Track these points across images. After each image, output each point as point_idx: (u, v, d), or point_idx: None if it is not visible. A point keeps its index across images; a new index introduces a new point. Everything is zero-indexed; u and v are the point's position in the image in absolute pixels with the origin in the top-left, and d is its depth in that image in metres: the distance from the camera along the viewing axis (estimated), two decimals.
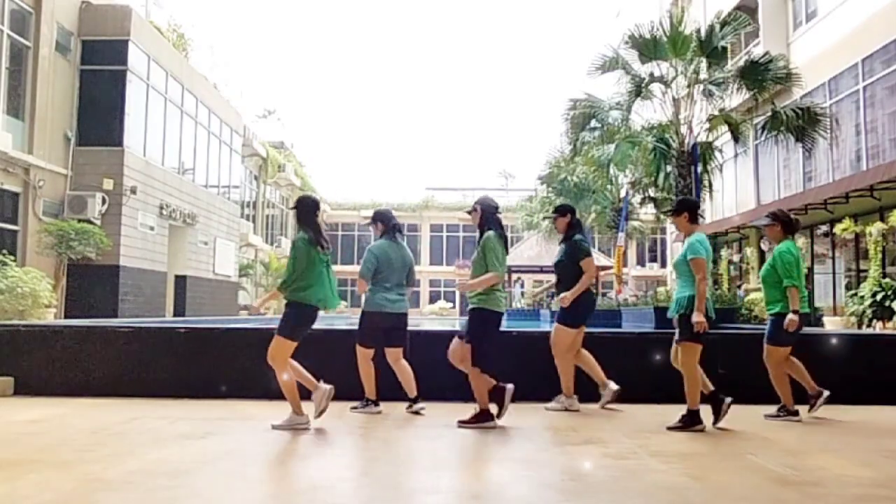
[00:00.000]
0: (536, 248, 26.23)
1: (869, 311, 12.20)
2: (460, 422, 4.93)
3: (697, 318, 4.80)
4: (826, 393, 5.49)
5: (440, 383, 5.58)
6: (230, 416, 5.20)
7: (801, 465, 3.80)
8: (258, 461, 4.04)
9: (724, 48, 13.28)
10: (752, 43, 19.22)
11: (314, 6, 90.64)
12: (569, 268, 5.72)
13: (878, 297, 12.08)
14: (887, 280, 12.58)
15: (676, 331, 5.04)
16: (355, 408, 5.55)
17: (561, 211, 6.02)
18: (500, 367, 5.86)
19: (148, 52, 16.77)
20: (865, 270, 13.94)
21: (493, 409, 4.94)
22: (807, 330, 6.00)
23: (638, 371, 6.08)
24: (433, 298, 42.50)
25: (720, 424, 4.94)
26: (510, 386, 4.96)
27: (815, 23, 17.46)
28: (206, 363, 6.29)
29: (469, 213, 5.26)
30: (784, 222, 5.54)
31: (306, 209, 4.92)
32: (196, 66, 21.69)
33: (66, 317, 13.81)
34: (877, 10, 14.55)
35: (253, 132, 28.46)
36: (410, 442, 4.50)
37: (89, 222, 14.39)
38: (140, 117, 16.52)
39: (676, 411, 4.95)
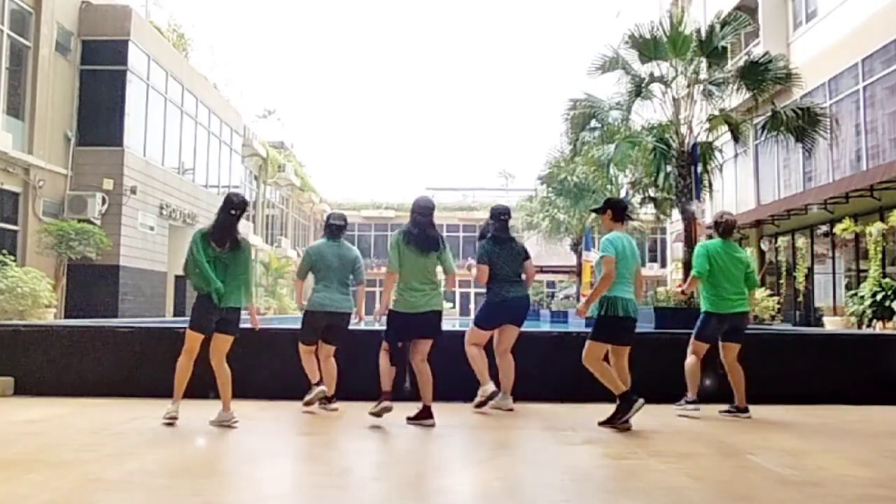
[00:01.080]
0: (536, 248, 26.24)
1: (869, 311, 12.20)
2: (409, 418, 4.97)
3: (581, 306, 5.04)
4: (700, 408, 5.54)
5: (440, 383, 5.57)
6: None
7: (801, 465, 3.80)
8: (257, 461, 4.04)
9: (724, 48, 13.26)
10: (752, 43, 19.21)
11: (314, 6, 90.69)
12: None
13: (878, 297, 12.07)
14: (887, 280, 12.58)
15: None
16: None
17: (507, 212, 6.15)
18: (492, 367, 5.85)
19: (148, 52, 16.77)
20: (865, 270, 13.94)
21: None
22: (807, 330, 6.02)
23: (637, 371, 6.07)
24: None
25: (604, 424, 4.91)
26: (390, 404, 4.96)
27: (815, 23, 17.45)
28: (205, 363, 6.26)
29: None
30: (716, 223, 5.72)
31: (222, 204, 5.06)
32: (196, 66, 21.69)
33: (66, 317, 13.80)
34: (877, 10, 14.55)
35: (253, 132, 28.45)
36: (410, 442, 4.50)
37: (89, 222, 14.38)
38: (140, 117, 16.52)
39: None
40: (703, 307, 5.56)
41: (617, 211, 5.26)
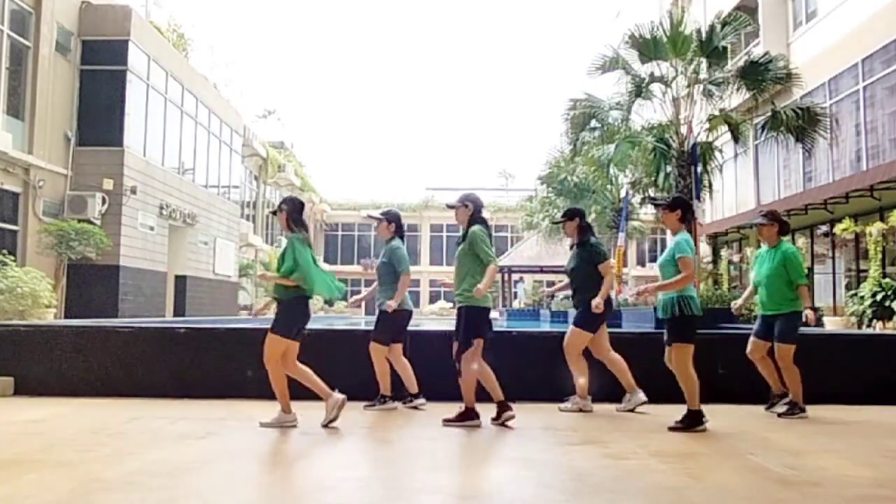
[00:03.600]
0: (536, 248, 26.24)
1: (869, 311, 12.20)
2: (445, 420, 4.94)
3: (651, 287, 5.06)
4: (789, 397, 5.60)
5: (440, 383, 5.58)
6: (230, 416, 5.20)
7: (801, 465, 3.80)
8: (258, 461, 4.04)
9: (725, 48, 13.28)
10: (752, 43, 19.21)
11: (314, 6, 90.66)
12: (584, 271, 5.69)
13: (878, 297, 12.07)
14: (887, 280, 12.57)
15: (665, 333, 5.05)
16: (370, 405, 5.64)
17: (569, 215, 5.96)
18: (496, 366, 5.86)
19: (148, 52, 16.77)
20: (865, 270, 13.94)
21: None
22: (806, 330, 6.03)
23: (638, 371, 6.07)
24: (433, 298, 42.50)
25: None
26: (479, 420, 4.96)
27: (815, 23, 17.45)
28: (206, 363, 6.28)
29: (452, 207, 5.23)
30: (781, 223, 5.70)
31: (299, 209, 5.05)
32: (196, 66, 21.69)
33: (66, 317, 13.81)
34: (877, 10, 14.55)
35: (253, 132, 28.45)
36: (410, 442, 4.50)
37: (89, 222, 14.38)
38: (140, 117, 16.52)
39: (677, 411, 4.95)
40: (795, 308, 5.51)
41: (686, 212, 5.19)
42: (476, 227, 5.03)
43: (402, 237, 5.83)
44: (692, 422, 4.83)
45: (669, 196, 12.96)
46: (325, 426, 4.74)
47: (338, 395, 4.80)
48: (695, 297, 4.95)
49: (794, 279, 5.50)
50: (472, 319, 4.91)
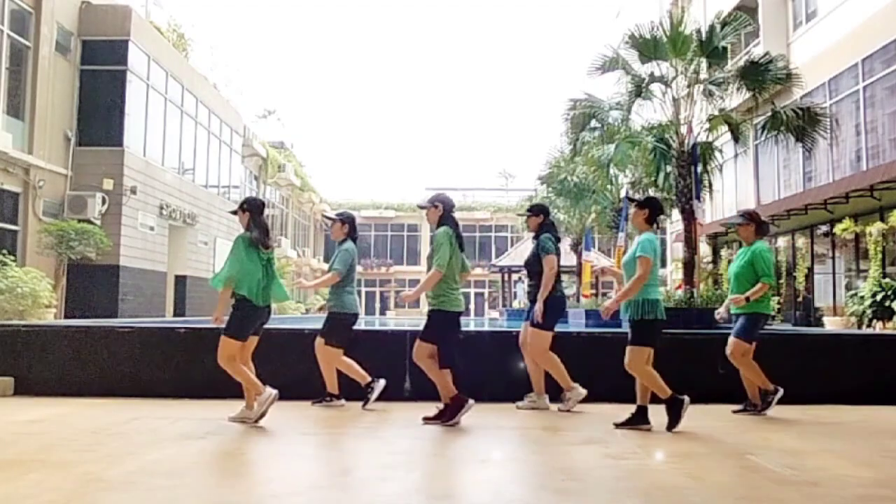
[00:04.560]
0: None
1: (869, 311, 12.21)
2: (425, 418, 4.97)
3: (610, 303, 5.00)
4: (780, 392, 5.61)
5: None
6: None
7: (801, 465, 3.80)
8: (258, 461, 4.05)
9: (725, 48, 13.26)
10: (752, 43, 19.22)
11: (314, 7, 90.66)
12: (535, 266, 5.70)
13: (878, 297, 12.08)
14: (887, 280, 12.58)
15: (629, 333, 4.93)
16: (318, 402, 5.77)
17: (535, 211, 5.97)
18: (498, 366, 5.86)
19: (148, 52, 16.77)
20: (865, 270, 13.95)
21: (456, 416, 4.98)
22: (807, 330, 6.03)
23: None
24: None
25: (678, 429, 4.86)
26: (471, 401, 4.97)
27: (815, 23, 17.46)
28: (206, 363, 6.25)
29: (423, 207, 5.21)
30: (758, 223, 5.70)
31: (256, 208, 5.09)
32: (196, 66, 21.69)
33: (66, 317, 13.81)
34: (877, 10, 14.55)
35: (253, 132, 28.44)
36: (409, 442, 4.50)
37: (89, 222, 14.39)
38: (140, 117, 16.52)
39: None
40: (759, 309, 5.48)
41: (654, 213, 5.08)
42: (441, 230, 5.02)
43: (354, 240, 5.87)
44: (674, 407, 4.78)
45: (668, 196, 12.93)
46: (255, 421, 4.83)
47: (271, 390, 4.92)
48: (658, 300, 4.85)
49: (759, 275, 5.43)
50: (439, 323, 4.98)
